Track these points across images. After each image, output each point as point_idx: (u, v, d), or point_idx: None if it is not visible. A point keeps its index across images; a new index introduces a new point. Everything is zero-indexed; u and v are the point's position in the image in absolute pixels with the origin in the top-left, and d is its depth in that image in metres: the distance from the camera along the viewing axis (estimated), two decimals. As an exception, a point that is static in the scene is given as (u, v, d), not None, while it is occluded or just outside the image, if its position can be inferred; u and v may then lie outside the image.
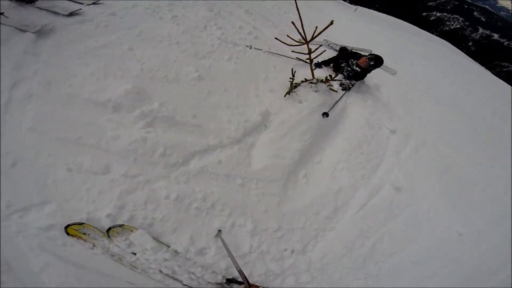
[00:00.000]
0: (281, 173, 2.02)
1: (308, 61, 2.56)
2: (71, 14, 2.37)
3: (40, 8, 2.39)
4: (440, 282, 1.95)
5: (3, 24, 2.13)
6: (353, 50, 3.68)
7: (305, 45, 2.41)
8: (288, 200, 1.97)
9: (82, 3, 2.56)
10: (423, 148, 3.06)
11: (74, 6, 2.47)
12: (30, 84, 1.76)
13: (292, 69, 2.43)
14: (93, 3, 2.61)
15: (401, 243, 2.11)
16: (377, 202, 2.30)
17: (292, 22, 2.25)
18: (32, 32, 2.11)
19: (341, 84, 3.00)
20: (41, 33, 2.12)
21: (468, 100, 4.75)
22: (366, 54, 3.17)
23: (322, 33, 2.25)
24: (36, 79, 1.79)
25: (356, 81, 3.17)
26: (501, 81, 7.88)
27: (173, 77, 2.13)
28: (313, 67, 2.72)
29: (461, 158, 3.14)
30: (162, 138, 1.77)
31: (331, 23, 2.08)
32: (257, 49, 2.92)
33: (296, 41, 2.43)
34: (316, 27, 2.24)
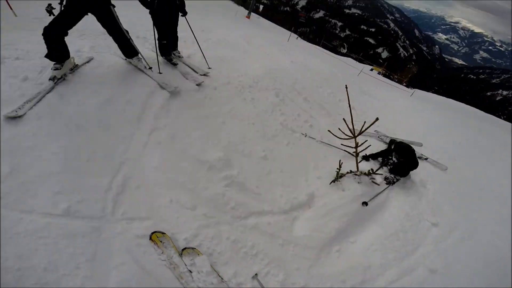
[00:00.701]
0: (316, 243, 2.52)
1: (354, 154, 3.15)
2: (198, 85, 3.50)
3: (180, 71, 3.63)
4: None
5: (151, 77, 3.23)
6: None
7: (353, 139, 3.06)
8: (319, 266, 2.41)
9: (198, 73, 3.76)
10: (468, 240, 3.23)
11: (197, 77, 3.68)
12: (161, 134, 2.75)
13: (339, 160, 3.12)
14: (204, 74, 3.79)
15: None
16: (408, 281, 2.49)
17: (344, 119, 2.97)
18: (168, 91, 3.16)
19: (385, 178, 3.51)
20: (173, 93, 3.19)
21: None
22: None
23: (373, 125, 2.83)
24: (166, 131, 2.80)
25: (401, 176, 3.61)
26: None
27: (247, 152, 3.05)
28: (360, 160, 3.38)
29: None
30: (234, 196, 2.58)
31: (377, 119, 2.75)
32: (311, 137, 3.76)
33: (346, 134, 3.07)
34: (364, 122, 2.94)
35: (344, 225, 2.70)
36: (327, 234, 2.58)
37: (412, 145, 3.85)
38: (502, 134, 9.88)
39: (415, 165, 3.62)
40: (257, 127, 3.38)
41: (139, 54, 3.23)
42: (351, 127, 2.96)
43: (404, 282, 2.48)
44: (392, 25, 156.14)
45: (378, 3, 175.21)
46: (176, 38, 3.87)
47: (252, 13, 31.98)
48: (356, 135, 2.96)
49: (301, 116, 4.09)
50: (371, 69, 30.63)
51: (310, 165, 3.31)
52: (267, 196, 2.73)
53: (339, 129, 3.13)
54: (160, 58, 3.64)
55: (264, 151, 3.12)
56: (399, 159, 3.55)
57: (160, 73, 3.35)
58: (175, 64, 3.73)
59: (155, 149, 2.59)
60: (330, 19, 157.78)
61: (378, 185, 3.25)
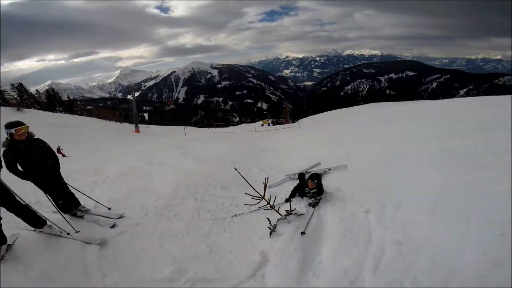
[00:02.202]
0: (290, 281, 2.72)
1: (270, 207, 3.78)
2: (112, 227, 3.65)
3: (88, 221, 3.72)
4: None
5: (73, 238, 3.27)
6: (311, 172, 5.04)
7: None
8: None
9: (111, 218, 3.87)
10: (401, 206, 3.65)
11: (110, 221, 3.80)
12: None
13: (267, 218, 3.64)
14: (120, 217, 3.92)
15: (443, 271, 2.43)
16: (388, 260, 2.71)
17: (246, 193, 3.61)
18: (96, 244, 3.24)
19: (309, 204, 4.13)
20: (102, 244, 3.31)
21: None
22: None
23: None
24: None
25: (319, 195, 4.28)
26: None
27: (194, 255, 3.25)
28: (282, 203, 4.01)
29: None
30: None
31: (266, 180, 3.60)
32: (240, 214, 4.16)
33: (255, 197, 3.59)
34: (266, 178, 3.74)
35: (301, 256, 3.01)
36: (295, 269, 2.84)
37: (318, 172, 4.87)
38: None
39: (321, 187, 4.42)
40: (192, 234, 3.64)
41: (47, 221, 3.23)
42: (256, 194, 3.58)
43: (384, 263, 2.69)
44: (254, 81, 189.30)
45: (236, 68, 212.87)
46: (71, 195, 3.93)
47: (139, 124, 32.74)
48: (263, 195, 3.59)
49: (224, 203, 4.55)
50: (262, 125, 35.77)
51: (250, 233, 3.71)
52: (230, 274, 2.93)
53: (245, 193, 3.64)
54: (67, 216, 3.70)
55: (208, 246, 3.36)
56: (318, 183, 4.28)
57: (77, 231, 3.39)
58: (81, 217, 3.80)
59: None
60: (211, 99, 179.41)
61: (304, 213, 3.86)
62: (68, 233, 3.28)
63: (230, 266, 3.05)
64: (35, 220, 3.17)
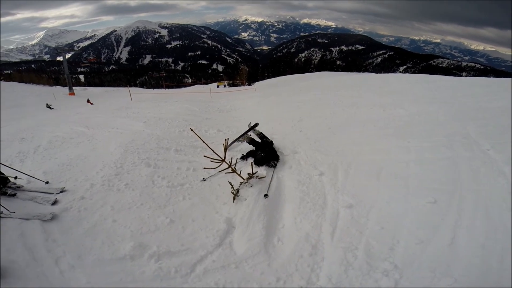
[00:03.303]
0: (259, 247, 2.77)
1: (232, 170, 3.72)
2: (54, 204, 3.17)
3: (23, 200, 3.14)
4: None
5: (10, 217, 2.81)
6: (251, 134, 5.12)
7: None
8: (274, 259, 2.65)
9: (51, 193, 3.37)
10: (351, 169, 3.93)
11: (49, 196, 3.31)
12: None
13: (229, 182, 3.55)
14: (61, 192, 3.43)
15: (390, 236, 2.65)
16: (343, 224, 2.91)
17: (205, 156, 3.44)
18: (44, 220, 2.86)
19: (269, 166, 4.20)
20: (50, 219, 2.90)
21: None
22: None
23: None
24: (70, 255, 2.55)
25: (275, 159, 4.35)
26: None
27: (153, 228, 3.00)
28: (240, 160, 3.94)
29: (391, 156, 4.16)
30: (169, 264, 2.56)
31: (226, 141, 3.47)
32: (209, 177, 4.02)
33: (215, 160, 3.47)
34: (223, 144, 3.53)
35: (266, 221, 3.08)
36: (261, 235, 2.89)
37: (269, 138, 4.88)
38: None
39: (275, 153, 4.53)
40: (148, 204, 3.35)
41: None
42: (215, 156, 3.42)
43: (340, 227, 2.88)
44: (210, 42, 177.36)
45: (189, 28, 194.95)
46: None
47: (74, 87, 28.36)
48: (223, 158, 3.45)
49: (180, 168, 4.29)
50: (218, 86, 34.28)
51: (212, 199, 3.60)
52: (196, 245, 2.81)
53: (204, 156, 3.49)
54: None
55: (168, 217, 3.16)
56: (266, 151, 4.37)
57: (12, 212, 2.87)
58: (13, 195, 3.20)
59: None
60: (159, 59, 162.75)
61: (265, 176, 3.89)
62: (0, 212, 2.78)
63: (195, 236, 2.92)
64: None
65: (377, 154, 4.26)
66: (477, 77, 11.45)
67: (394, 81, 12.52)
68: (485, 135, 4.06)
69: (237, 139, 5.30)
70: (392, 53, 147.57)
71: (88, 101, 17.45)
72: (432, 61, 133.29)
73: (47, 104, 15.14)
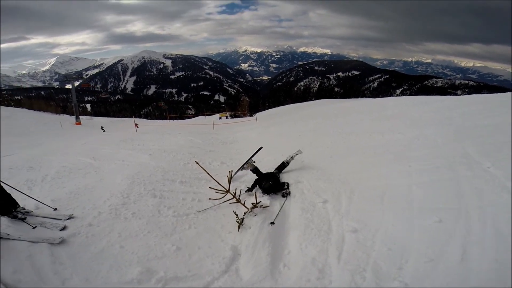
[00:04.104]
0: (264, 273, 2.77)
1: (236, 200, 3.84)
2: (63, 229, 3.25)
3: (32, 226, 3.19)
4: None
5: (19, 239, 2.88)
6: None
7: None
8: (281, 284, 2.65)
9: (59, 219, 3.44)
10: (354, 195, 3.98)
11: (58, 222, 3.38)
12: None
13: (234, 212, 3.66)
14: (69, 218, 3.49)
15: (398, 257, 2.63)
16: (349, 248, 2.91)
17: (210, 187, 3.61)
18: (52, 244, 2.92)
19: (282, 195, 4.33)
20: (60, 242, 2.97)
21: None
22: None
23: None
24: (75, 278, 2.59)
25: (283, 188, 4.48)
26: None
27: (160, 255, 3.06)
28: (243, 202, 3.92)
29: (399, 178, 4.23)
30: None
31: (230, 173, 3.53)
32: (204, 210, 4.06)
33: (219, 191, 3.63)
34: (228, 176, 3.64)
35: (271, 248, 3.10)
36: (266, 261, 2.90)
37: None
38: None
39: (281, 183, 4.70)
40: (155, 232, 3.41)
41: None
42: (220, 188, 3.57)
43: (346, 251, 2.88)
44: (211, 73, 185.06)
45: (192, 59, 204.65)
46: (7, 195, 3.39)
47: (81, 116, 29.11)
48: (228, 189, 3.58)
49: (185, 199, 4.38)
50: (220, 118, 35.19)
51: (217, 227, 3.66)
52: (202, 271, 2.83)
53: (209, 187, 3.63)
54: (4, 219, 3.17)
55: (174, 244, 3.21)
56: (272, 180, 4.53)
57: (34, 227, 3.13)
58: (22, 219, 3.27)
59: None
60: (163, 90, 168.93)
61: (268, 206, 3.98)
62: (19, 237, 2.89)
63: (201, 263, 2.95)
64: None
65: (379, 179, 4.35)
66: (471, 95, 11.82)
67: (391, 105, 12.90)
68: (484, 153, 4.15)
69: (242, 166, 5.45)
70: (388, 76, 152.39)
71: (101, 128, 18.99)
72: (426, 82, 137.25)
73: (101, 127, 17.24)
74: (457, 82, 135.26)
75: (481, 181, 3.45)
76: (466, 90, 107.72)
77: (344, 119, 10.66)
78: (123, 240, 3.22)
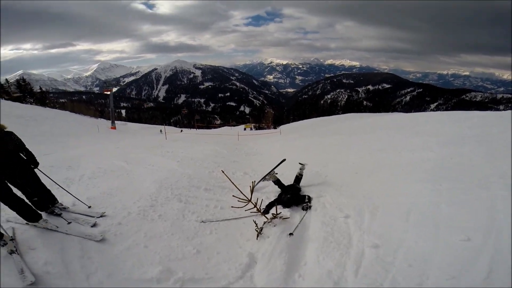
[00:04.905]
0: (278, 282, 2.80)
1: (258, 211, 3.94)
2: (93, 226, 3.55)
3: (67, 222, 3.50)
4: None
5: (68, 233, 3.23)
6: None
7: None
8: None
9: (92, 216, 3.75)
10: (378, 212, 3.88)
11: (90, 219, 3.69)
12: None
13: (254, 221, 3.75)
14: (101, 216, 3.79)
15: (418, 273, 2.56)
16: (368, 262, 2.85)
17: (234, 195, 3.73)
18: (96, 241, 3.22)
19: (302, 208, 4.34)
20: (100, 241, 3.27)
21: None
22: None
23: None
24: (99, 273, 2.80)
25: (307, 200, 4.50)
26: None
27: (181, 256, 3.25)
28: (263, 212, 4.05)
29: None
30: None
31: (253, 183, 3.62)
32: (217, 221, 4.17)
33: (242, 200, 3.74)
34: (250, 186, 3.79)
35: (287, 258, 3.12)
36: (281, 270, 2.93)
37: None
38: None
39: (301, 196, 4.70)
40: (178, 235, 3.63)
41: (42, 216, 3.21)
42: (243, 197, 3.70)
43: (364, 265, 2.82)
44: (238, 84, 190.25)
45: (220, 70, 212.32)
46: (46, 191, 3.73)
47: (116, 121, 31.31)
48: (250, 198, 3.69)
49: (208, 205, 4.58)
50: (245, 129, 35.85)
51: (237, 235, 3.79)
52: (219, 275, 2.96)
53: (233, 196, 3.77)
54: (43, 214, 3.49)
55: (195, 247, 3.38)
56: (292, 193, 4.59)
57: (69, 222, 3.38)
58: (59, 215, 3.60)
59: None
60: (192, 99, 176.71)
61: (288, 217, 4.00)
62: (69, 222, 3.36)
63: (218, 267, 3.08)
64: (30, 214, 3.11)
65: (405, 197, 4.16)
66: None
67: (423, 120, 12.24)
68: None
69: (264, 177, 5.55)
70: (421, 90, 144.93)
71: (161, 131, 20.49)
72: (464, 96, 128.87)
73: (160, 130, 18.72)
74: (499, 96, 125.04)
75: (518, 201, 3.22)
76: (510, 105, 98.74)
77: (372, 135, 10.27)
78: (148, 240, 3.46)
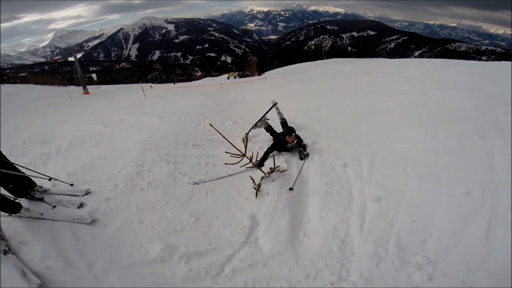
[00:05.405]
0: (285, 244, 2.72)
1: (253, 165, 3.67)
2: (80, 207, 3.16)
3: (52, 206, 3.08)
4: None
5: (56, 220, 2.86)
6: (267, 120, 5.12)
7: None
8: (302, 255, 2.61)
9: (77, 195, 3.35)
10: (376, 159, 3.83)
11: (75, 199, 3.29)
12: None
13: (251, 177, 3.48)
14: (86, 194, 3.38)
15: (421, 229, 2.56)
16: (372, 217, 2.83)
17: (227, 151, 3.41)
18: (86, 223, 2.89)
19: (300, 158, 4.16)
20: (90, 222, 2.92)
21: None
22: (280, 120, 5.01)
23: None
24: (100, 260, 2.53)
25: (302, 147, 4.30)
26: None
27: (179, 227, 2.99)
28: (259, 167, 3.75)
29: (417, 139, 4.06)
30: (198, 265, 2.57)
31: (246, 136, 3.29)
32: (218, 179, 3.89)
33: (236, 155, 3.42)
34: (243, 138, 3.44)
35: (290, 216, 3.02)
36: (286, 231, 2.84)
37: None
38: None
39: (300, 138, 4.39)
40: (172, 203, 3.33)
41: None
42: (236, 151, 3.35)
43: (368, 221, 2.81)
44: (217, 34, 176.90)
45: (195, 22, 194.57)
46: (22, 178, 3.19)
47: (88, 86, 28.90)
48: (244, 153, 3.37)
49: (200, 163, 4.24)
50: (228, 78, 34.10)
51: (234, 194, 3.55)
52: (222, 243, 2.78)
53: (225, 152, 3.46)
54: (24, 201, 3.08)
55: (192, 215, 3.13)
56: (296, 135, 4.25)
57: (54, 206, 3.01)
58: (40, 199, 3.15)
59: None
60: (168, 54, 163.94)
61: (286, 170, 3.79)
62: (54, 206, 2.98)
63: (221, 234, 2.89)
64: (8, 204, 2.74)
65: (402, 143, 4.10)
66: (501, 61, 10.68)
67: (411, 66, 11.89)
68: None
69: (255, 124, 5.23)
70: (406, 38, 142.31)
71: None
72: (449, 45, 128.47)
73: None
74: (483, 47, 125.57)
75: (514, 152, 3.17)
76: (492, 57, 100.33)
77: (361, 79, 9.90)
78: (141, 213, 3.14)
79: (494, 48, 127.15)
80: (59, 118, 8.63)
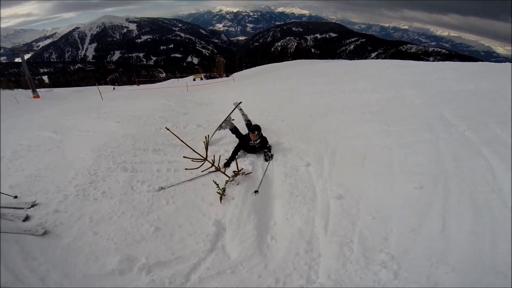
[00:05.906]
0: (253, 249, 2.66)
1: (216, 169, 3.53)
2: (25, 220, 2.89)
3: None
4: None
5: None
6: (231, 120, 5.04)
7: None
8: (270, 260, 2.56)
9: (21, 208, 3.09)
10: (336, 157, 3.90)
11: (19, 212, 3.02)
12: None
13: (214, 182, 3.36)
14: (32, 206, 3.13)
15: (382, 226, 2.63)
16: (335, 216, 2.87)
17: (184, 156, 3.20)
18: (38, 235, 2.66)
19: (265, 159, 4.14)
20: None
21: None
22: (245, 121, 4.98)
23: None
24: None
25: (266, 145, 4.28)
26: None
27: (139, 238, 2.80)
28: (223, 170, 3.63)
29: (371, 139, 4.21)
30: (162, 275, 2.41)
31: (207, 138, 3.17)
32: (178, 184, 3.70)
33: (197, 160, 3.26)
34: (204, 141, 3.35)
35: (256, 220, 2.97)
36: (253, 235, 2.77)
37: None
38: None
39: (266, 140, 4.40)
40: (130, 213, 3.11)
41: None
42: (197, 156, 3.22)
43: (332, 220, 2.83)
44: (182, 34, 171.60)
45: (159, 22, 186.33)
46: None
47: (38, 89, 26.22)
48: (205, 156, 3.25)
49: (160, 170, 4.04)
50: (194, 79, 33.18)
51: (197, 200, 3.41)
52: (186, 252, 2.64)
53: (184, 156, 3.25)
54: None
55: (152, 224, 2.95)
56: (259, 134, 4.22)
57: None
58: None
59: None
60: (129, 54, 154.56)
61: (251, 172, 3.75)
62: None
63: (184, 243, 2.75)
64: None
65: (359, 139, 4.28)
66: (444, 62, 11.95)
67: (367, 66, 12.77)
68: (460, 117, 4.18)
69: (220, 126, 5.11)
70: (364, 40, 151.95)
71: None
72: (401, 47, 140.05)
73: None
74: (430, 49, 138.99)
75: (458, 144, 3.49)
76: (438, 58, 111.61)
77: (322, 79, 10.34)
78: (96, 225, 2.90)
79: (439, 49, 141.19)
80: (3, 125, 7.64)
